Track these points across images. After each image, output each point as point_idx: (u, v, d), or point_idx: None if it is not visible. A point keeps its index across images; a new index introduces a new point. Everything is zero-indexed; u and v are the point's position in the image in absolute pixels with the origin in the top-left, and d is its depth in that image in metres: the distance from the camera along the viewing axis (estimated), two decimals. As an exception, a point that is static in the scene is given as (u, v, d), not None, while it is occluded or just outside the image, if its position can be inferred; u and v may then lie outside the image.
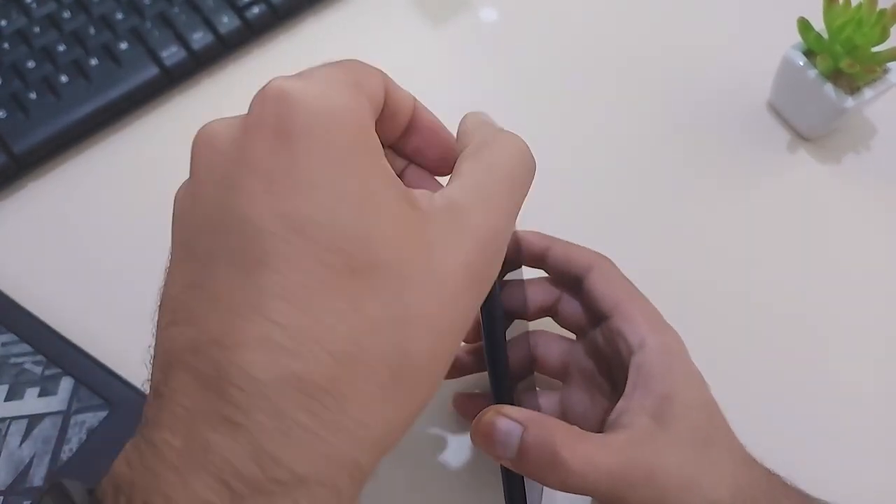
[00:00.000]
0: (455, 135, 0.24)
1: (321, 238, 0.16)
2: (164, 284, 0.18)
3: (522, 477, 0.27)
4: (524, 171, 0.21)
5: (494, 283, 0.27)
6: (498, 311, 0.28)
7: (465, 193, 0.19)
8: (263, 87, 0.18)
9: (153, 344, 0.18)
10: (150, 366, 0.18)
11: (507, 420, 0.25)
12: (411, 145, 0.24)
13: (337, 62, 0.21)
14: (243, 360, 0.16)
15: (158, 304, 0.19)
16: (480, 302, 0.19)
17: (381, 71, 0.22)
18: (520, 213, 0.29)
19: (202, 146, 0.19)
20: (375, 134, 0.19)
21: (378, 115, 0.21)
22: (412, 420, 0.18)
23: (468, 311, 0.19)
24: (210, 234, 0.17)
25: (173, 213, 0.19)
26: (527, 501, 0.27)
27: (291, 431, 0.15)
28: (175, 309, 0.17)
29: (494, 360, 0.28)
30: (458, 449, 0.34)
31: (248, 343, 0.16)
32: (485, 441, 0.25)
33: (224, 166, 0.18)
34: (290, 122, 0.17)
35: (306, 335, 0.16)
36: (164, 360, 0.17)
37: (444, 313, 0.18)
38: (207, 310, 0.16)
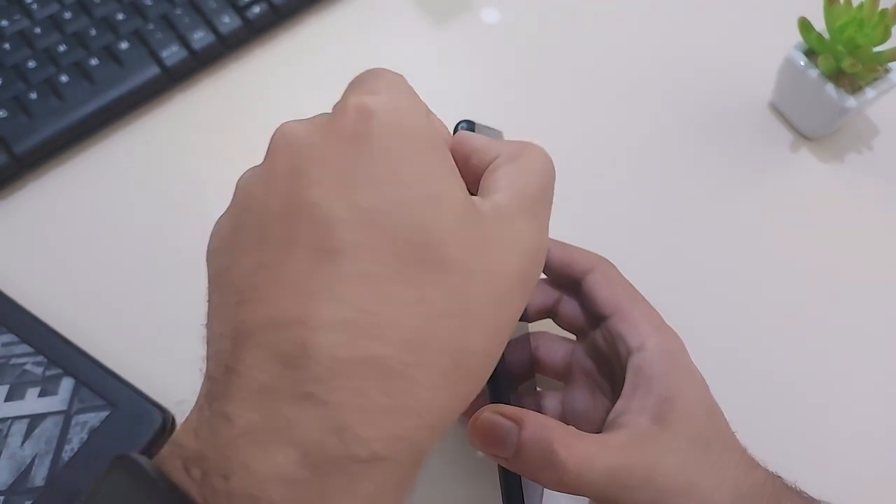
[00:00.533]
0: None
1: (393, 229, 0.18)
2: (228, 266, 0.19)
3: (520, 477, 0.27)
4: (552, 181, 0.22)
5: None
6: None
7: (510, 202, 0.20)
8: (345, 100, 0.20)
9: (208, 322, 0.19)
10: (205, 342, 0.19)
11: (504, 419, 0.25)
12: None
13: (387, 77, 0.23)
14: (326, 340, 0.16)
15: (216, 283, 0.19)
16: (524, 306, 0.20)
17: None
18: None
19: (281, 140, 0.20)
20: (444, 140, 0.20)
21: None
22: (462, 410, 0.19)
23: (516, 314, 0.20)
24: (283, 222, 0.18)
25: (237, 200, 0.20)
26: (525, 502, 0.27)
27: (371, 410, 0.16)
28: (244, 289, 0.18)
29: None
30: (454, 450, 0.34)
31: (330, 324, 0.16)
32: (482, 440, 0.25)
33: (301, 161, 0.19)
34: (368, 129, 0.19)
35: (381, 320, 0.17)
36: (234, 335, 0.17)
37: (497, 313, 0.19)
38: (285, 291, 0.17)
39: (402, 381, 0.17)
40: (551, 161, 0.22)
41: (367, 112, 0.19)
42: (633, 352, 0.28)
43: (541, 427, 0.25)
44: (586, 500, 0.33)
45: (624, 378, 0.28)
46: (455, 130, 0.28)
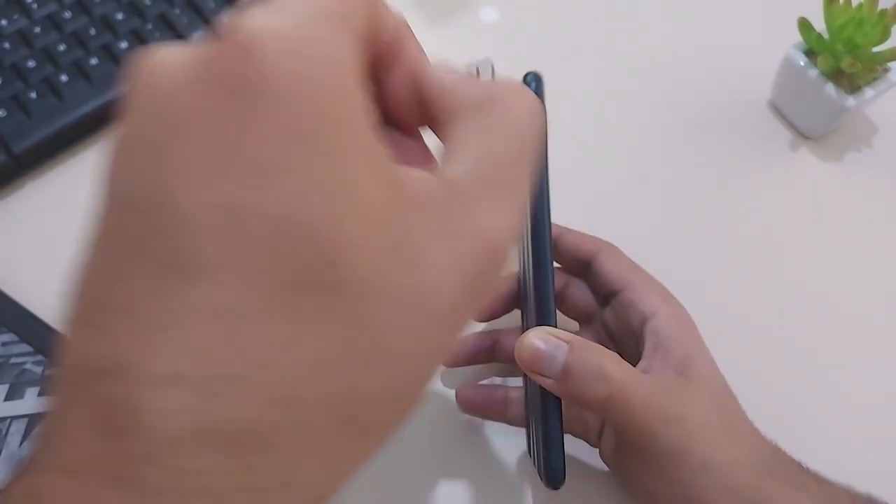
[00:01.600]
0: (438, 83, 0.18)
1: (271, 239, 0.12)
2: (82, 264, 0.14)
3: (560, 408, 0.27)
4: (535, 138, 0.16)
5: (544, 185, 0.27)
6: (545, 221, 0.28)
7: (471, 176, 0.15)
8: (233, 23, 0.13)
9: (60, 339, 0.14)
10: (53, 368, 0.14)
11: (554, 339, 0.26)
12: (387, 88, 0.18)
13: None
14: (158, 400, 0.12)
15: (73, 288, 0.14)
16: (471, 314, 0.15)
17: None
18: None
19: (144, 87, 0.14)
20: (363, 93, 0.14)
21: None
22: (364, 464, 0.14)
23: (457, 334, 0.15)
24: (135, 215, 0.13)
25: (104, 170, 0.15)
26: (563, 433, 0.27)
27: (225, 498, 0.12)
28: (76, 304, 0.14)
29: (541, 283, 0.28)
30: (463, 454, 0.34)
31: (164, 378, 0.12)
32: (530, 359, 0.26)
33: (165, 124, 0.13)
34: (252, 79, 0.13)
35: (238, 370, 0.12)
36: (66, 374, 0.13)
37: (422, 344, 0.14)
38: (120, 320, 0.13)
39: (267, 453, 0.12)
40: (537, 107, 0.16)
41: (252, 51, 0.13)
42: (649, 318, 0.29)
43: (589, 346, 0.26)
44: (596, 490, 0.33)
45: (637, 351, 0.29)
46: (524, 80, 0.26)
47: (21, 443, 0.33)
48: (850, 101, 0.38)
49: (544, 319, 0.28)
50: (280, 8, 0.14)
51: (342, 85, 0.14)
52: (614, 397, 0.25)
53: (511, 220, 0.15)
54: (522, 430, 0.32)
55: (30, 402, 0.34)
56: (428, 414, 0.35)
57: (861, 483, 0.28)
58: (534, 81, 0.27)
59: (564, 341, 0.26)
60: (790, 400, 0.35)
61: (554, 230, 0.33)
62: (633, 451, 0.28)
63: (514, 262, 0.32)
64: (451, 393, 0.34)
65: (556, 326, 0.28)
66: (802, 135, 0.43)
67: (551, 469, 0.27)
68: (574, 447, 0.32)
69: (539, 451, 0.28)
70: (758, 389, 0.33)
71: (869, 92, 0.39)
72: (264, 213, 0.12)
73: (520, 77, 0.29)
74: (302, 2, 0.14)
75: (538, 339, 0.26)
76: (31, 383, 0.34)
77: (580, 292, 0.33)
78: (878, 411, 0.35)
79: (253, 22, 0.13)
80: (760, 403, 0.30)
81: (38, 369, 0.34)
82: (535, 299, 0.28)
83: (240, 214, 0.12)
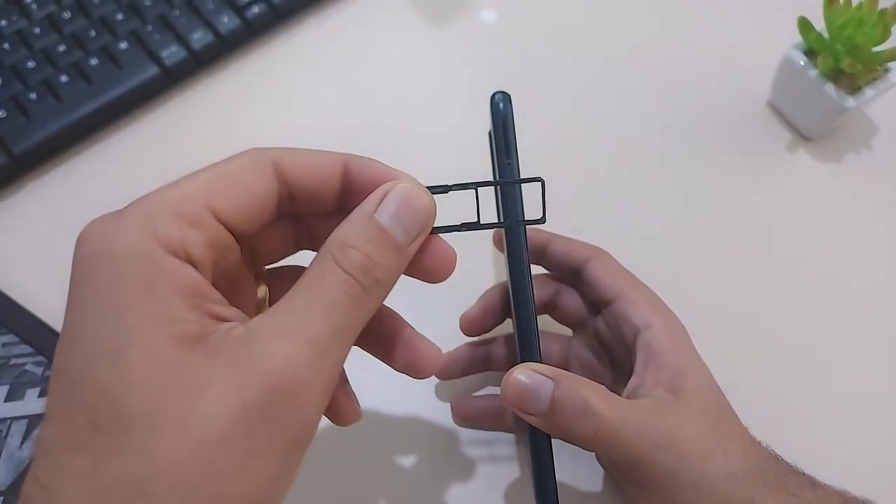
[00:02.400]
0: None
1: (73, 392, 0.17)
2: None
3: (550, 442, 0.27)
4: (364, 292, 0.20)
5: (523, 231, 0.28)
6: (525, 261, 0.28)
7: (272, 318, 0.18)
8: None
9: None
10: None
11: (538, 375, 0.26)
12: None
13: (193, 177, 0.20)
14: None
15: None
16: (268, 444, 0.17)
17: (269, 154, 0.22)
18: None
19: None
20: (169, 267, 0.18)
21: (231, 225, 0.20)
22: None
23: (243, 455, 0.17)
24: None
25: None
26: (554, 466, 0.27)
27: None
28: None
29: (522, 315, 0.28)
30: (457, 469, 0.34)
31: (23, 496, 0.17)
32: (515, 396, 0.26)
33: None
34: (76, 266, 0.18)
35: (53, 496, 0.16)
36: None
37: (203, 468, 0.16)
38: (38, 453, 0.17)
39: None
40: (347, 287, 0.19)
41: (80, 240, 0.19)
42: (641, 330, 0.29)
43: (575, 381, 0.26)
44: (596, 485, 0.33)
45: (628, 361, 0.29)
46: (492, 100, 0.28)
47: (21, 443, 0.33)
48: (850, 101, 0.38)
49: (528, 355, 0.27)
50: (125, 211, 0.19)
51: (143, 263, 0.18)
52: (601, 435, 0.25)
53: (298, 354, 0.18)
54: (521, 441, 0.32)
55: (30, 402, 0.34)
56: (423, 427, 0.34)
57: (858, 486, 0.28)
58: (502, 101, 0.28)
59: (549, 377, 0.26)
60: (788, 402, 0.35)
61: (543, 236, 0.32)
62: (626, 476, 0.28)
63: (502, 273, 0.31)
64: (447, 406, 0.34)
65: (540, 361, 0.27)
66: (802, 135, 0.43)
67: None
68: (567, 467, 0.32)
69: (532, 482, 0.28)
70: (755, 391, 0.33)
71: (869, 92, 0.39)
72: (68, 370, 0.17)
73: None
74: (141, 203, 0.19)
75: (523, 375, 0.26)
76: (32, 384, 0.34)
77: (572, 300, 0.32)
78: (876, 413, 0.35)
79: (93, 222, 0.19)
80: (757, 406, 0.30)
81: (39, 370, 0.34)
82: (517, 334, 0.28)
83: (58, 373, 0.17)
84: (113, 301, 0.17)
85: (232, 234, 0.20)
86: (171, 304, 0.18)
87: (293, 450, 0.18)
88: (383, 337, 0.24)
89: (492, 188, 0.28)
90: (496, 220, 0.28)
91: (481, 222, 0.24)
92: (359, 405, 0.24)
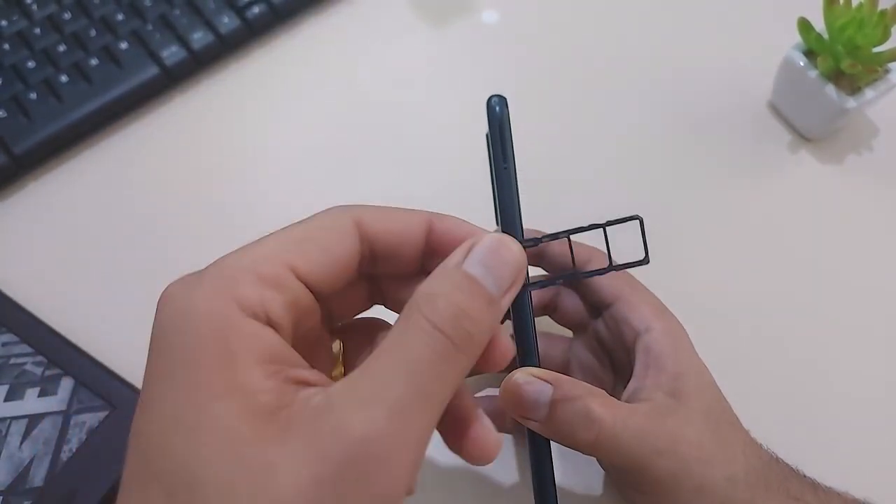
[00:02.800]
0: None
1: (149, 460, 0.17)
2: None
3: (550, 445, 0.27)
4: (454, 348, 0.18)
5: (522, 236, 0.27)
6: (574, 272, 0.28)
7: (352, 384, 0.17)
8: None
9: None
10: None
11: (537, 380, 0.26)
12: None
13: (274, 238, 0.20)
14: None
15: None
16: None
17: (352, 213, 0.21)
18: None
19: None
20: (247, 331, 0.18)
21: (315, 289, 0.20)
22: None
23: None
24: None
25: None
26: (553, 470, 0.27)
27: None
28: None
29: (520, 321, 0.28)
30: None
31: None
32: (514, 402, 0.26)
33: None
34: (156, 327, 0.18)
35: None
36: None
37: None
38: None
39: None
40: (444, 351, 0.18)
41: (160, 305, 0.18)
42: (641, 334, 0.29)
43: (574, 386, 0.26)
44: (598, 485, 0.33)
45: (629, 364, 0.29)
46: (488, 104, 0.28)
47: (21, 443, 0.33)
48: (851, 102, 0.38)
49: (527, 359, 0.27)
50: (194, 276, 0.19)
51: (221, 328, 0.17)
52: (601, 440, 0.25)
53: (375, 426, 0.17)
54: (521, 442, 0.32)
55: (30, 402, 0.34)
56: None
57: (861, 488, 0.28)
58: (498, 105, 0.28)
59: (548, 382, 0.26)
60: (790, 403, 0.35)
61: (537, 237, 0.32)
62: (626, 480, 0.28)
63: None
64: None
65: (539, 365, 0.27)
66: (802, 136, 0.43)
67: None
68: (567, 470, 0.32)
69: (531, 486, 0.28)
70: (757, 393, 0.33)
71: (869, 93, 0.39)
72: (145, 436, 0.17)
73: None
74: (219, 267, 0.19)
75: (522, 380, 0.26)
76: (31, 384, 0.34)
77: (572, 302, 0.32)
78: (879, 414, 0.35)
79: (173, 284, 0.19)
80: (758, 407, 0.29)
81: (38, 370, 0.34)
82: (516, 339, 0.28)
83: (136, 437, 0.17)
84: (189, 371, 0.17)
85: (313, 294, 0.20)
86: (248, 375, 0.17)
87: None
88: (447, 410, 0.21)
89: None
90: (602, 265, 0.27)
91: (583, 270, 0.22)
92: (495, 435, 0.22)
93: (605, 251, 0.32)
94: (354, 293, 0.23)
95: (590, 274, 0.23)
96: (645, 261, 0.22)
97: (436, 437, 0.34)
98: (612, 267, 0.26)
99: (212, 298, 0.18)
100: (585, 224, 0.23)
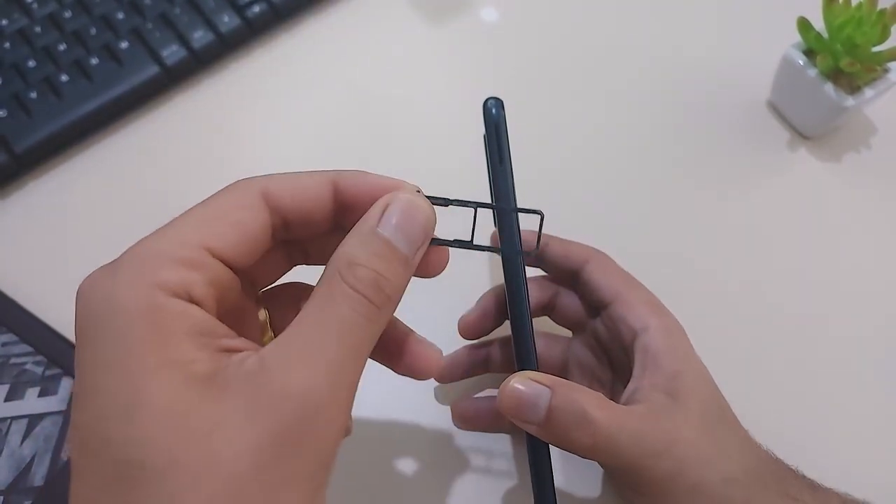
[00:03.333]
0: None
1: (91, 449, 0.17)
2: None
3: (549, 449, 0.27)
4: (377, 310, 0.19)
5: (518, 240, 0.28)
6: (521, 271, 0.28)
7: (284, 345, 0.18)
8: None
9: None
10: None
11: (535, 384, 0.26)
12: (353, 222, 0.21)
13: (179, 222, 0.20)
14: None
15: None
16: (291, 473, 0.17)
17: (256, 185, 0.21)
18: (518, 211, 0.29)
19: None
20: (174, 310, 0.18)
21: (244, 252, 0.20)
22: None
23: (267, 489, 0.17)
24: None
25: None
26: (552, 473, 0.27)
27: None
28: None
29: (518, 324, 0.28)
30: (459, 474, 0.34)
31: None
32: (512, 406, 0.26)
33: None
34: (79, 324, 0.18)
35: None
36: None
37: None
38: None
39: None
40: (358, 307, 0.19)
41: (78, 297, 0.19)
42: (639, 333, 0.29)
43: (572, 390, 0.26)
44: (597, 485, 0.33)
45: (628, 363, 0.29)
46: (484, 106, 0.28)
47: (21, 442, 0.33)
48: (849, 100, 0.39)
49: (524, 363, 0.28)
50: (115, 263, 0.19)
51: (146, 312, 0.18)
52: (598, 443, 0.25)
53: (316, 382, 0.18)
54: (520, 443, 0.32)
55: (30, 402, 0.34)
56: (423, 431, 0.34)
57: (859, 488, 0.28)
58: (494, 107, 0.28)
59: (546, 385, 0.26)
60: (788, 402, 0.35)
61: (541, 238, 0.32)
62: (625, 481, 0.28)
63: (499, 274, 0.31)
64: (446, 410, 0.34)
65: (536, 369, 0.27)
66: (801, 135, 0.43)
67: None
68: (567, 472, 0.33)
69: (531, 487, 0.28)
70: (756, 392, 0.33)
71: (868, 92, 0.39)
72: (89, 426, 0.17)
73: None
74: (127, 258, 0.19)
75: (519, 384, 0.26)
76: (32, 383, 0.34)
77: (570, 301, 0.32)
78: (877, 414, 0.35)
79: (87, 279, 0.19)
80: (757, 406, 0.30)
81: (39, 369, 0.34)
82: (514, 343, 0.28)
83: (79, 430, 0.17)
84: (120, 354, 0.17)
85: (231, 269, 0.20)
86: (179, 347, 0.18)
87: (318, 471, 0.18)
88: (384, 341, 0.23)
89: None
90: (490, 244, 0.29)
91: (474, 243, 0.24)
92: (432, 348, 0.25)
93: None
94: (273, 259, 0.24)
95: (482, 248, 0.24)
96: (534, 253, 0.24)
97: (435, 443, 0.34)
98: (500, 248, 0.28)
99: (133, 284, 0.18)
100: (488, 203, 0.25)
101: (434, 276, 0.23)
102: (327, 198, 0.22)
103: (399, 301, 0.21)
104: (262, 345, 0.21)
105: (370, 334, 0.20)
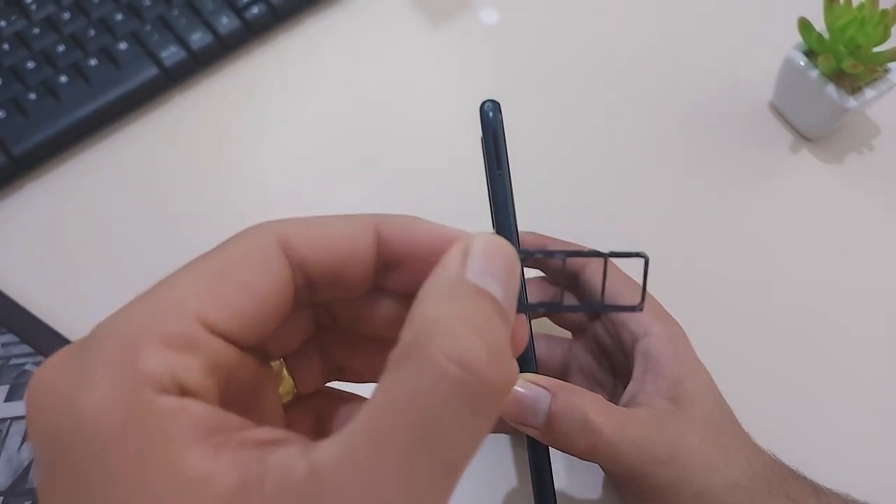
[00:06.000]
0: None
1: None
2: None
3: (549, 452, 0.27)
4: (471, 408, 0.13)
5: (517, 244, 0.27)
6: (520, 272, 0.28)
7: (345, 453, 0.13)
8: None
9: None
10: None
11: (535, 387, 0.25)
12: (400, 284, 0.17)
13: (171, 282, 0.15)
14: None
15: None
16: None
17: (273, 232, 0.16)
18: (517, 212, 0.29)
19: None
20: (167, 413, 0.13)
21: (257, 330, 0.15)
22: None
23: None
24: None
25: None
26: (553, 475, 0.27)
27: None
28: None
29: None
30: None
31: None
32: (512, 409, 0.25)
33: None
34: (34, 443, 0.13)
35: None
36: None
37: None
38: None
39: None
40: (484, 347, 0.13)
41: (28, 399, 0.13)
42: (640, 338, 0.28)
43: (573, 394, 0.25)
44: (597, 486, 0.33)
45: (628, 367, 0.29)
46: (481, 109, 0.28)
47: (21, 444, 0.33)
48: (851, 102, 0.38)
49: (524, 366, 0.27)
50: (74, 355, 0.14)
51: (130, 424, 0.13)
52: (599, 448, 0.25)
53: (379, 498, 0.12)
54: (521, 442, 0.32)
55: (29, 403, 0.34)
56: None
57: (862, 491, 0.28)
58: (491, 110, 0.27)
59: (546, 389, 0.25)
60: (792, 405, 0.35)
61: (541, 241, 0.32)
62: (626, 487, 0.28)
63: None
64: None
65: (536, 371, 0.27)
66: (803, 136, 0.43)
67: None
68: (567, 474, 0.32)
69: (532, 490, 0.28)
70: (759, 395, 0.33)
71: (870, 93, 0.39)
72: None
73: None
74: (95, 341, 0.14)
75: (520, 386, 0.25)
76: (31, 385, 0.34)
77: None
78: (880, 416, 0.35)
79: (39, 370, 0.14)
80: (760, 409, 0.29)
81: (38, 371, 0.35)
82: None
83: None
84: (106, 492, 0.12)
85: (237, 345, 0.15)
86: (190, 461, 0.13)
87: None
88: None
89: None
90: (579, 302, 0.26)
91: (565, 303, 0.20)
92: None
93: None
94: (294, 326, 0.18)
95: (574, 309, 0.22)
96: (638, 307, 0.19)
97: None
98: (599, 304, 0.26)
99: (108, 383, 0.13)
100: (586, 249, 0.21)
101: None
102: (368, 249, 0.16)
103: (511, 383, 0.14)
104: (282, 399, 0.17)
105: (475, 436, 0.13)
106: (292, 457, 0.13)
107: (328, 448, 0.13)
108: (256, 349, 0.17)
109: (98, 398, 0.13)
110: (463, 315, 0.14)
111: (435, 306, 0.14)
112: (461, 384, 0.13)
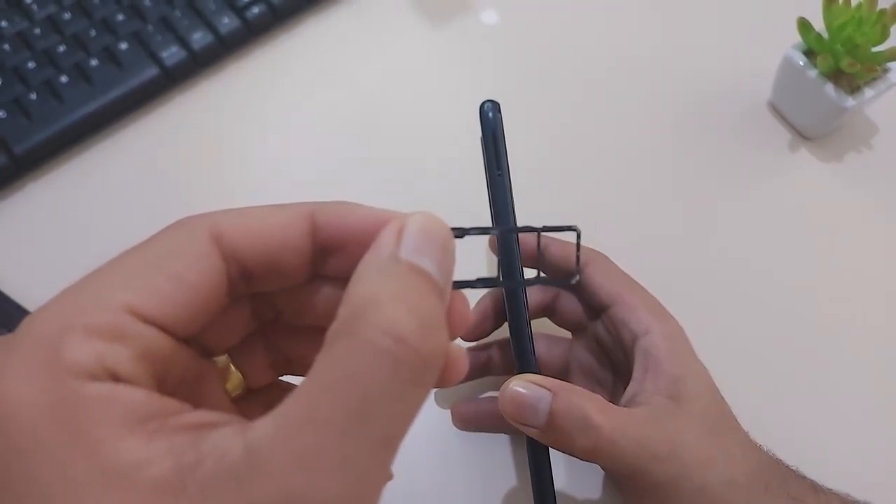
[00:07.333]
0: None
1: None
2: None
3: (548, 452, 0.27)
4: (417, 384, 0.13)
5: (514, 241, 0.27)
6: (519, 276, 0.28)
7: (280, 432, 0.13)
8: None
9: None
10: None
11: (536, 387, 0.26)
12: (339, 269, 0.17)
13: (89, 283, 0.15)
14: None
15: None
16: None
17: (205, 225, 0.16)
18: (516, 212, 0.29)
19: None
20: (97, 398, 0.13)
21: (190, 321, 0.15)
22: None
23: None
24: None
25: None
26: (552, 475, 0.27)
27: None
28: None
29: (517, 326, 0.28)
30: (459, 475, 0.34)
31: None
32: (513, 409, 0.26)
33: None
34: None
35: None
36: None
37: None
38: None
39: None
40: (426, 313, 0.14)
41: None
42: (640, 336, 0.29)
43: (574, 394, 0.26)
44: (597, 485, 0.33)
45: (629, 365, 0.29)
46: (481, 110, 0.28)
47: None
48: (850, 101, 0.38)
49: (524, 366, 0.28)
50: (8, 343, 0.14)
51: (58, 416, 0.12)
52: (600, 447, 0.25)
53: (332, 489, 0.12)
54: (520, 442, 0.32)
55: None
56: (423, 434, 0.34)
57: (861, 489, 0.28)
58: (491, 111, 0.28)
59: (547, 389, 0.25)
60: (790, 403, 0.35)
61: (541, 241, 0.32)
62: (627, 484, 0.28)
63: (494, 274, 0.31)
64: (446, 413, 0.34)
65: (537, 371, 0.27)
66: (802, 135, 0.43)
67: None
68: (567, 474, 0.32)
69: (532, 490, 0.28)
70: (758, 393, 0.33)
71: (868, 92, 0.39)
72: None
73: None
74: (22, 336, 0.14)
75: (520, 387, 0.25)
76: (32, 384, 0.34)
77: (571, 303, 0.32)
78: (879, 414, 0.35)
79: None
80: (758, 407, 0.29)
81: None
82: (513, 347, 0.28)
83: None
84: (26, 490, 0.12)
85: (170, 335, 0.15)
86: (117, 447, 0.12)
87: None
88: None
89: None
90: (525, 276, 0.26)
91: (501, 279, 0.20)
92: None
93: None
94: (232, 319, 0.18)
95: (511, 284, 0.22)
96: (573, 279, 0.20)
97: (435, 429, 0.34)
98: (534, 279, 0.26)
99: (28, 373, 0.13)
100: (522, 225, 0.21)
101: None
102: (303, 238, 0.16)
103: (444, 354, 0.15)
104: (229, 393, 0.17)
105: (410, 408, 0.14)
106: (228, 438, 0.13)
107: (264, 427, 0.13)
108: (194, 341, 0.16)
109: (19, 388, 0.12)
110: (396, 291, 0.14)
111: (369, 284, 0.14)
112: (394, 357, 0.13)
